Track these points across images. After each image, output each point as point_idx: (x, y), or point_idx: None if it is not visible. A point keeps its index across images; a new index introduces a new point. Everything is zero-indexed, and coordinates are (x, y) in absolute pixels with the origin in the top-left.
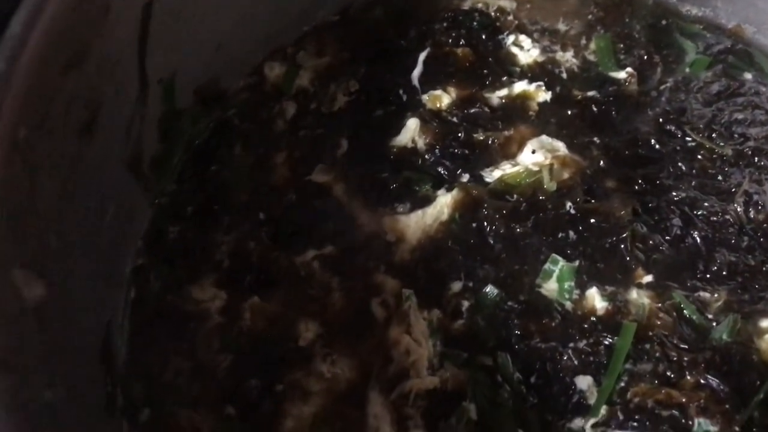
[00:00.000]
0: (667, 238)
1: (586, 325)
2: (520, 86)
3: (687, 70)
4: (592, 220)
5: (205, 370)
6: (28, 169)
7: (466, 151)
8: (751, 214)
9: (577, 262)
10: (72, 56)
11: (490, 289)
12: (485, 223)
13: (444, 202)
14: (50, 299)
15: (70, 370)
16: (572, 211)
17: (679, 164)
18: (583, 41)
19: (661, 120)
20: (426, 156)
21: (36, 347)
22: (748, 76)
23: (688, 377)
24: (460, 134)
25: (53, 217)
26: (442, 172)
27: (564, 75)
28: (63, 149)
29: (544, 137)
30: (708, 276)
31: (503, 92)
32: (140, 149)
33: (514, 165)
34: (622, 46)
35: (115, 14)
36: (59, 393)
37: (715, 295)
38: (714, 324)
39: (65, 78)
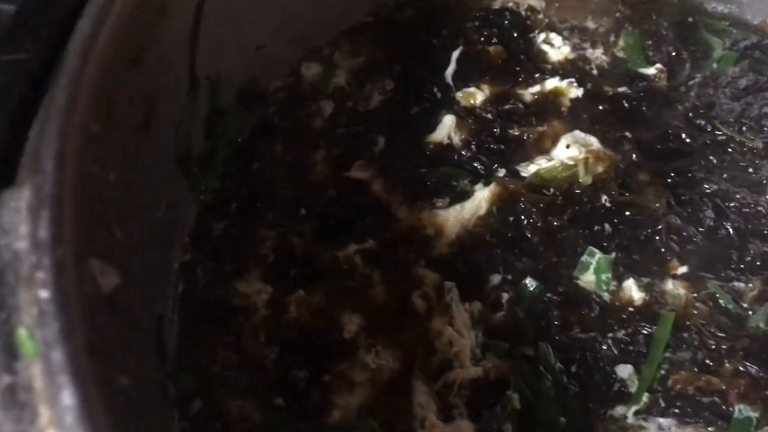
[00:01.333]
0: (701, 229)
1: (624, 316)
2: (552, 83)
3: (714, 65)
4: (627, 213)
5: (253, 361)
6: (98, 162)
7: (502, 147)
8: None
9: (613, 254)
10: (135, 54)
11: (529, 282)
12: (522, 217)
13: (482, 196)
14: (120, 289)
15: (136, 359)
16: (607, 204)
17: (710, 157)
18: (612, 38)
19: (690, 114)
20: (462, 152)
21: (111, 334)
22: None
23: (727, 365)
24: (495, 130)
25: (118, 209)
26: (479, 167)
27: (594, 71)
28: (126, 144)
29: (577, 132)
30: (742, 266)
31: (536, 89)
32: (189, 146)
33: (549, 160)
34: (650, 42)
35: (171, 14)
36: (130, 380)
37: (750, 285)
38: (750, 313)
39: (129, 75)
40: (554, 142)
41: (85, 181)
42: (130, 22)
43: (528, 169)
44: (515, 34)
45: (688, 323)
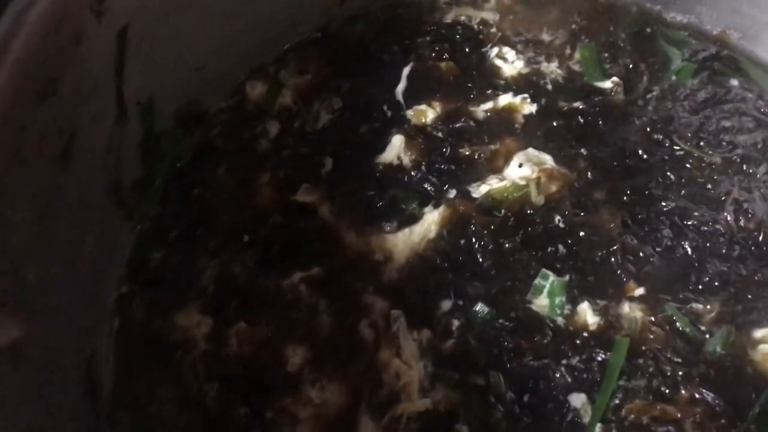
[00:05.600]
0: (658, 249)
1: (578, 341)
2: (505, 99)
3: (673, 77)
4: (582, 234)
5: (192, 399)
6: (2, 203)
7: (453, 167)
8: (742, 223)
9: (567, 277)
10: (46, 85)
11: (480, 307)
12: (474, 240)
13: (431, 219)
14: (27, 338)
15: (51, 406)
16: (561, 225)
17: (668, 174)
18: (568, 51)
19: (648, 129)
20: (412, 173)
21: (12, 388)
22: (734, 82)
23: (683, 392)
24: (445, 150)
25: (30, 251)
26: (429, 188)
27: (549, 86)
28: (39, 179)
29: (530, 150)
30: (700, 287)
31: (488, 105)
32: (120, 174)
33: (501, 179)
34: (607, 55)
35: (88, 41)
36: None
37: (708, 307)
38: (707, 336)
39: (39, 107)
40: (507, 160)
41: None
42: (37, 56)
43: (479, 190)
44: (467, 49)
45: (643, 348)
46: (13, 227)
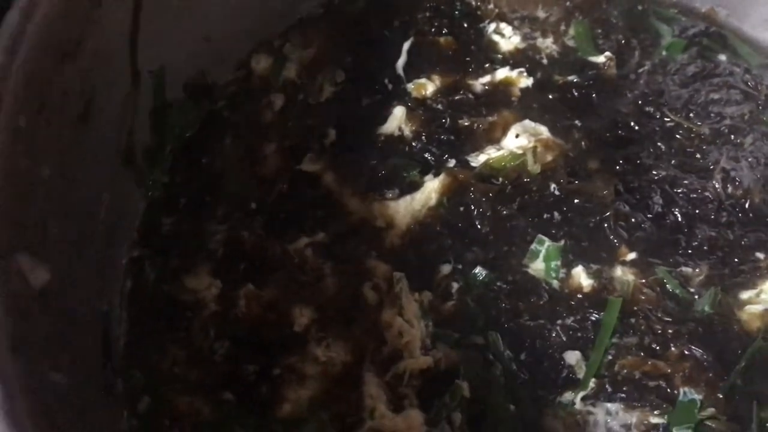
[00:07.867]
0: (649, 216)
1: (573, 303)
2: (502, 73)
3: (663, 53)
4: (576, 201)
5: (202, 357)
6: (28, 156)
7: (452, 137)
8: (729, 190)
9: (562, 242)
10: (67, 47)
11: (478, 271)
12: (472, 207)
13: (432, 187)
14: (53, 285)
15: (72, 356)
16: (556, 193)
17: (659, 144)
18: (563, 27)
19: (639, 102)
20: (413, 143)
21: (42, 332)
22: (723, 57)
23: (673, 348)
24: (445, 121)
25: (53, 204)
26: (429, 158)
27: (545, 61)
28: (60, 138)
29: (527, 122)
30: (689, 251)
31: (486, 79)
32: (133, 141)
33: (499, 149)
34: (600, 31)
35: (107, 5)
36: (65, 377)
37: (697, 270)
38: (696, 297)
39: (61, 68)
40: (504, 131)
41: (12, 176)
42: (61, 15)
43: (478, 159)
44: (465, 25)
45: (635, 308)
46: (38, 181)
